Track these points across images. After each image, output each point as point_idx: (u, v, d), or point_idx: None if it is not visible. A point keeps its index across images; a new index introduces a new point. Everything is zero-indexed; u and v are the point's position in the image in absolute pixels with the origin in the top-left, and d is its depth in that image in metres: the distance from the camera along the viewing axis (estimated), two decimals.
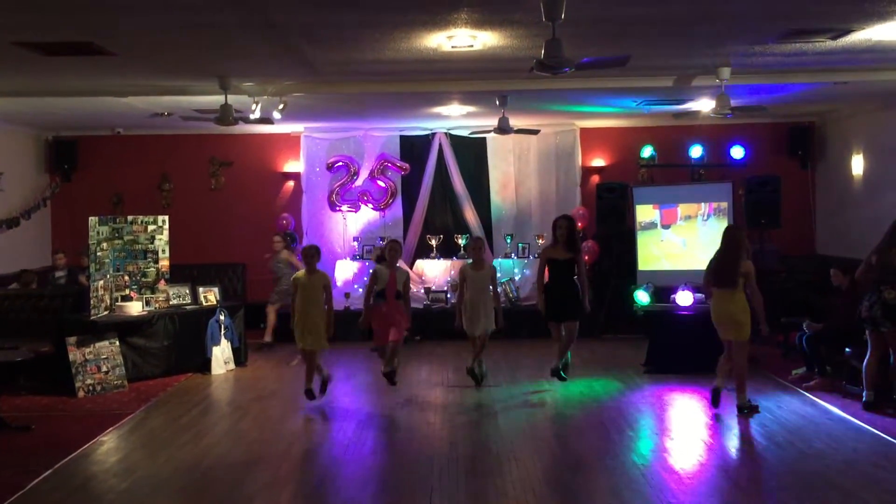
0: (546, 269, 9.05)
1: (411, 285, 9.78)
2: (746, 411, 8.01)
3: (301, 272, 8.86)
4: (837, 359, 9.01)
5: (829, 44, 7.93)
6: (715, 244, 8.41)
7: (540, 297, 9.05)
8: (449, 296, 12.92)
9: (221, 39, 7.45)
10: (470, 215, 14.25)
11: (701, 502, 5.85)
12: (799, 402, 8.55)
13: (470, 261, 9.58)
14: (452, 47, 7.64)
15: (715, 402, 8.15)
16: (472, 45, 7.61)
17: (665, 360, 10.11)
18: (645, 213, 11.48)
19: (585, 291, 9.07)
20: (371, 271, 8.94)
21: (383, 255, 9.15)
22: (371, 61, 8.43)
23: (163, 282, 10.83)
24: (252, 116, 9.95)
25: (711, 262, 8.31)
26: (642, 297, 10.42)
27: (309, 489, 6.35)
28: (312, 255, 8.82)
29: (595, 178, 14.41)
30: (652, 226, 11.44)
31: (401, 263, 9.38)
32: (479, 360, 9.38)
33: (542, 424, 7.99)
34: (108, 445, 7.45)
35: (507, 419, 8.12)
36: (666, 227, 11.47)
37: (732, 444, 7.42)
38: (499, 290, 12.89)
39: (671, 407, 8.68)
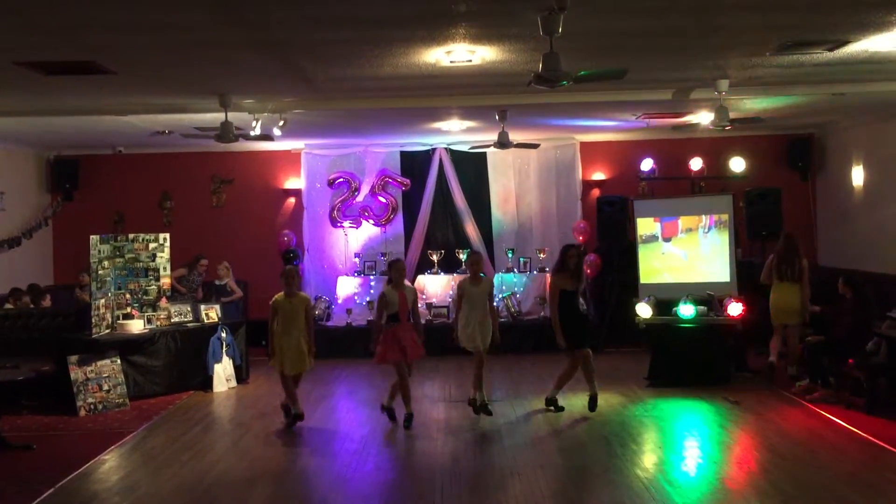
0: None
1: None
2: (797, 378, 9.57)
3: (280, 295, 8.55)
4: (841, 370, 8.99)
5: (827, 55, 7.96)
6: (717, 256, 8.46)
7: (558, 328, 8.86)
8: (450, 311, 12.91)
9: (221, 57, 7.49)
10: (471, 230, 14.27)
11: None
12: (803, 415, 8.52)
13: (468, 276, 9.42)
14: (451, 62, 7.67)
15: (772, 369, 9.99)
16: (470, 60, 7.64)
17: (667, 373, 10.09)
18: (646, 226, 11.47)
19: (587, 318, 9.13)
20: (379, 295, 8.62)
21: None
22: (370, 77, 8.46)
23: (164, 299, 10.83)
24: (252, 133, 9.98)
25: (772, 261, 10.16)
26: (644, 310, 10.39)
27: None
28: (293, 276, 8.63)
29: (595, 192, 14.43)
30: (653, 239, 11.42)
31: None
32: (480, 392, 8.84)
33: (545, 438, 7.95)
34: (110, 464, 7.43)
35: (510, 434, 8.10)
36: (667, 239, 11.47)
37: (736, 456, 7.38)
38: (498, 305, 13.03)
39: (674, 420, 8.65)
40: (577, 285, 8.98)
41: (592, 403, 8.86)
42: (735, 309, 10.03)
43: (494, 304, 9.15)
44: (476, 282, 8.84)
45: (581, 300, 9.04)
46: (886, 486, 6.34)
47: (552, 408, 8.99)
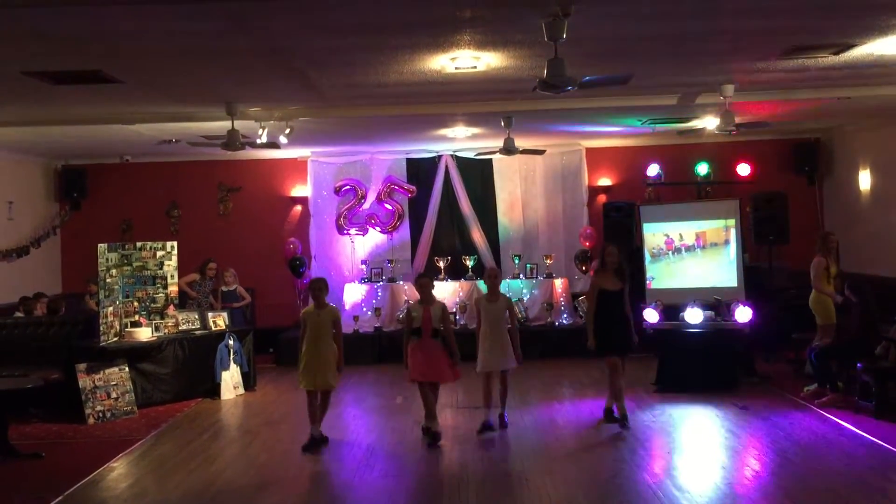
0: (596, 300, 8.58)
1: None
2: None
3: (310, 307, 8.27)
4: (849, 374, 8.95)
5: (832, 59, 7.95)
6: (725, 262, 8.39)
7: (590, 329, 8.57)
8: (458, 317, 12.90)
9: (227, 66, 7.53)
10: (477, 236, 14.27)
11: None
12: (811, 419, 8.48)
13: (486, 293, 8.89)
14: (456, 68, 7.69)
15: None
16: (475, 67, 7.66)
17: (675, 379, 10.06)
18: (656, 241, 11.44)
19: (631, 324, 8.67)
20: (405, 310, 8.35)
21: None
22: (375, 84, 8.49)
23: (171, 307, 10.86)
24: (259, 141, 10.01)
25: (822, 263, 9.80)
26: (651, 315, 10.37)
27: None
28: (321, 288, 8.21)
29: (602, 198, 14.43)
30: (663, 253, 11.41)
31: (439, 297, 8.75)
32: (502, 413, 8.58)
33: (554, 445, 7.94)
34: (119, 471, 7.44)
35: (518, 440, 8.08)
36: (677, 251, 11.44)
37: (744, 461, 7.35)
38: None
39: (682, 425, 8.62)
40: (618, 285, 8.55)
41: (606, 415, 8.62)
42: (743, 314, 10.01)
43: (515, 322, 8.71)
44: (493, 298, 8.52)
45: (626, 303, 8.55)
46: (895, 489, 6.30)
47: (608, 420, 8.57)
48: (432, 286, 8.47)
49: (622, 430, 8.23)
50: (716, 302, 10.34)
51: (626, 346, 8.60)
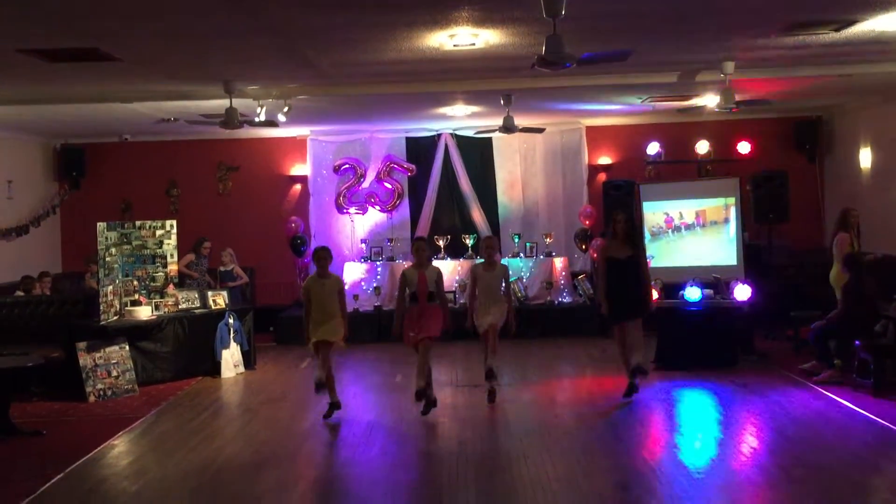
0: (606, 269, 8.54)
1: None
2: None
3: (312, 276, 8.24)
4: (847, 352, 8.97)
5: (833, 36, 7.91)
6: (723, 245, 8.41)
7: (603, 300, 8.60)
8: (457, 296, 12.92)
9: (225, 43, 7.49)
10: (477, 215, 14.26)
11: (711, 497, 5.83)
12: (809, 397, 8.51)
13: (481, 260, 9.04)
14: (454, 46, 7.65)
15: None
16: (473, 44, 7.62)
17: (674, 356, 10.07)
18: (655, 219, 11.43)
19: (649, 291, 8.60)
20: (401, 275, 8.28)
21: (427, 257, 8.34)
22: (373, 62, 8.45)
23: (171, 286, 10.87)
24: (257, 119, 9.99)
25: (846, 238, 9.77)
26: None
27: (319, 490, 6.36)
28: (325, 256, 8.14)
29: (602, 176, 14.41)
30: (662, 232, 11.41)
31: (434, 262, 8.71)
32: (491, 364, 8.46)
33: (552, 422, 7.96)
34: (120, 449, 7.48)
35: (517, 417, 8.11)
36: (677, 230, 11.44)
37: (742, 438, 7.39)
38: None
39: (681, 402, 8.66)
40: (627, 252, 8.46)
41: (638, 370, 8.43)
42: (742, 292, 10.02)
43: (510, 289, 8.71)
44: (490, 267, 8.49)
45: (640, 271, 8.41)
46: (892, 466, 6.33)
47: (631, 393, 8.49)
48: (428, 250, 8.36)
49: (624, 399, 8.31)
50: (715, 280, 10.34)
51: (639, 310, 8.54)
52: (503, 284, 8.54)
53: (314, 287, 8.00)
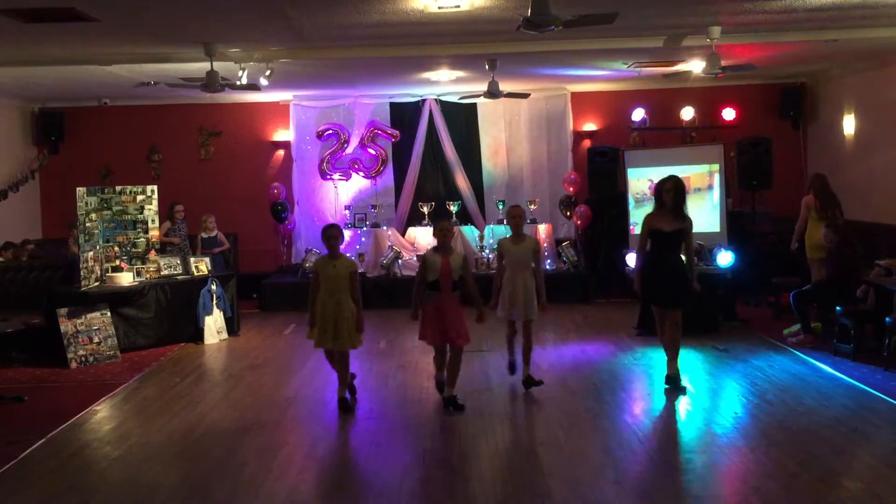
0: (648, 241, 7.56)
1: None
2: None
3: (322, 257, 7.42)
4: (828, 317, 9.05)
5: (819, 0, 7.86)
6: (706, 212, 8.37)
7: (638, 274, 7.71)
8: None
9: (205, 4, 7.35)
10: (461, 181, 14.20)
11: (692, 460, 5.89)
12: (790, 361, 8.59)
13: (509, 235, 7.88)
14: (439, 8, 7.56)
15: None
16: (458, 6, 7.52)
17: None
18: (640, 186, 11.41)
19: (694, 270, 7.70)
20: (420, 259, 7.52)
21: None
22: (356, 25, 8.33)
23: (153, 252, 10.79)
24: (239, 83, 9.85)
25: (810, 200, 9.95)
26: (633, 259, 10.38)
27: (302, 454, 6.36)
28: (335, 235, 7.28)
29: (586, 143, 14.37)
30: (646, 198, 11.38)
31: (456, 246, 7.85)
32: (528, 371, 7.78)
33: (536, 388, 7.99)
34: (102, 414, 7.46)
35: (501, 383, 8.13)
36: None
37: (723, 402, 7.45)
38: (486, 257, 12.98)
39: (663, 368, 8.69)
40: (675, 226, 7.42)
41: (672, 381, 7.59)
42: (724, 259, 10.06)
43: (541, 266, 7.83)
44: (519, 240, 7.61)
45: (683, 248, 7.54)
46: (871, 430, 6.41)
47: (675, 387, 7.58)
48: (452, 234, 7.46)
49: (679, 395, 7.43)
50: (699, 247, 10.36)
51: (677, 298, 7.55)
52: (535, 260, 7.61)
53: (324, 269, 7.22)
